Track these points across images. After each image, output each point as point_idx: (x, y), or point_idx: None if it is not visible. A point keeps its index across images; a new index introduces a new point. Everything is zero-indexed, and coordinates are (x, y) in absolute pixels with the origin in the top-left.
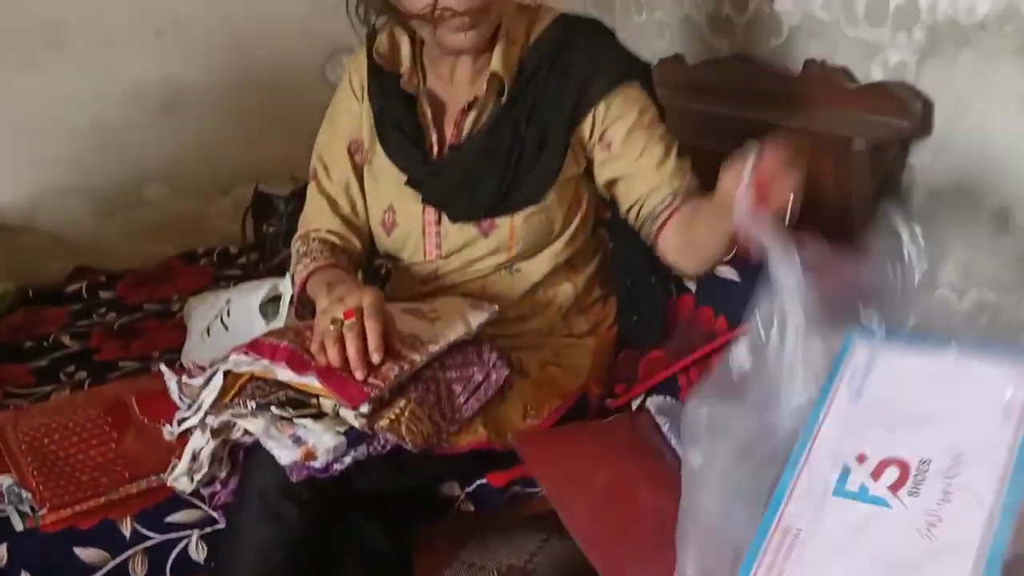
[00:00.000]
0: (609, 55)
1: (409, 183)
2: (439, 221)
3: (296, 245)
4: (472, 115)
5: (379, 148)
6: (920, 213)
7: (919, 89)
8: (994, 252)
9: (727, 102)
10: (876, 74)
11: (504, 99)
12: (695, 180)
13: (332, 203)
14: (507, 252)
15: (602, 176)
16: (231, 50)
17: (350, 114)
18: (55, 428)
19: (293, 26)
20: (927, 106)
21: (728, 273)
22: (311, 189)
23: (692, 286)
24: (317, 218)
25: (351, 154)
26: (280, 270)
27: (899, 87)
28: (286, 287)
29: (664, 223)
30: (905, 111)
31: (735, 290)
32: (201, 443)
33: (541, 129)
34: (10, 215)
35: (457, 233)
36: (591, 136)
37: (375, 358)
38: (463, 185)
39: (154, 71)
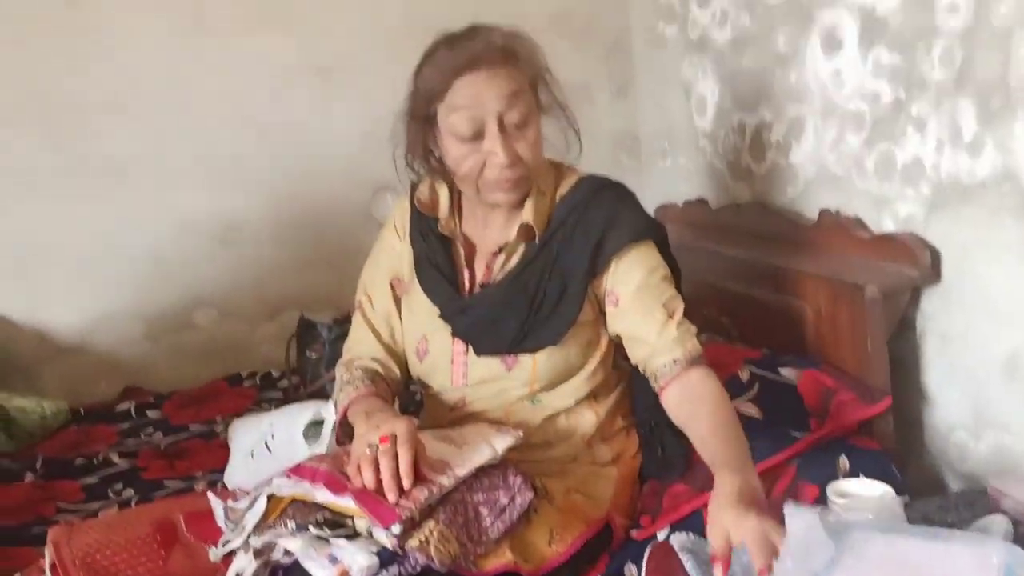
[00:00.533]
0: (626, 216)
1: (441, 316)
2: (467, 352)
3: (340, 371)
4: (501, 258)
5: (417, 283)
6: (934, 357)
7: (927, 240)
8: (1006, 395)
9: (747, 245)
10: (887, 225)
11: (536, 247)
12: (697, 348)
13: (375, 332)
14: (529, 386)
15: (611, 328)
16: (283, 187)
17: (393, 252)
18: (107, 544)
19: (341, 166)
20: (935, 256)
21: (750, 410)
22: (356, 318)
23: None
24: (361, 345)
25: (392, 288)
26: (320, 394)
27: (909, 238)
28: (328, 412)
29: (664, 387)
30: (915, 260)
31: (757, 426)
32: (244, 564)
33: (562, 279)
34: (66, 336)
35: (483, 365)
36: (604, 289)
37: (406, 482)
38: (489, 323)
39: (210, 205)
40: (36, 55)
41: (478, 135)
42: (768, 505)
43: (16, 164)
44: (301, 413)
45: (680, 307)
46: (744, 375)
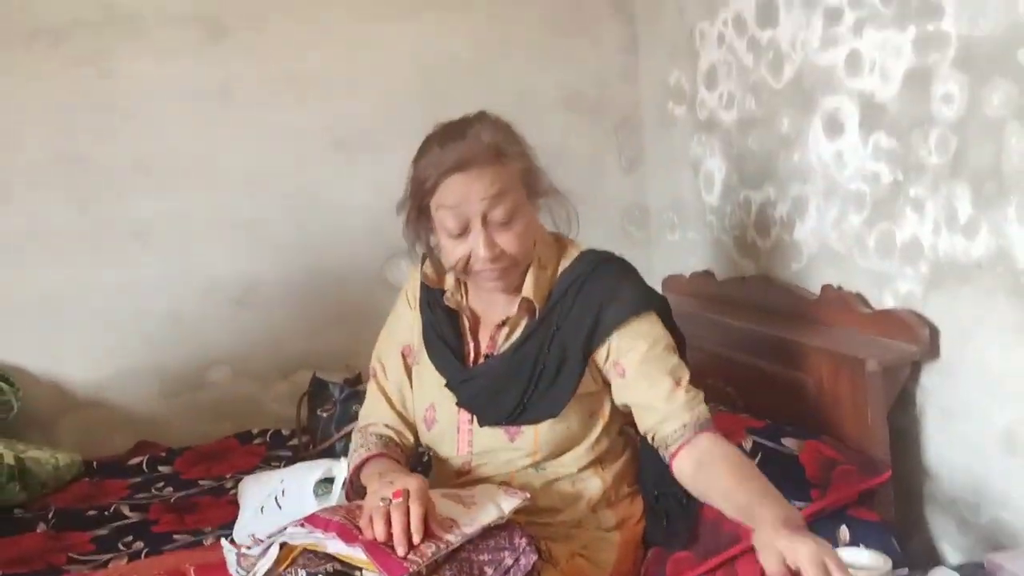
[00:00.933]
0: (626, 289)
1: (447, 386)
2: (472, 421)
3: (355, 436)
4: (505, 330)
5: (425, 353)
6: (934, 431)
7: (926, 317)
8: (1005, 470)
9: (752, 318)
10: (887, 301)
11: (535, 321)
12: (705, 413)
13: (388, 400)
14: (532, 456)
15: (618, 399)
16: (300, 250)
17: (404, 322)
18: None
19: (357, 232)
20: (934, 332)
21: None
22: (371, 386)
23: None
24: (375, 412)
25: (404, 357)
26: (330, 453)
27: (908, 314)
28: (340, 469)
29: (675, 453)
30: (914, 336)
31: None
32: None
33: (561, 352)
34: (83, 391)
35: (487, 435)
36: (606, 361)
37: (416, 537)
38: (491, 393)
39: (229, 266)
40: (66, 120)
41: (465, 231)
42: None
43: (44, 225)
44: (312, 470)
45: (686, 375)
46: (747, 444)
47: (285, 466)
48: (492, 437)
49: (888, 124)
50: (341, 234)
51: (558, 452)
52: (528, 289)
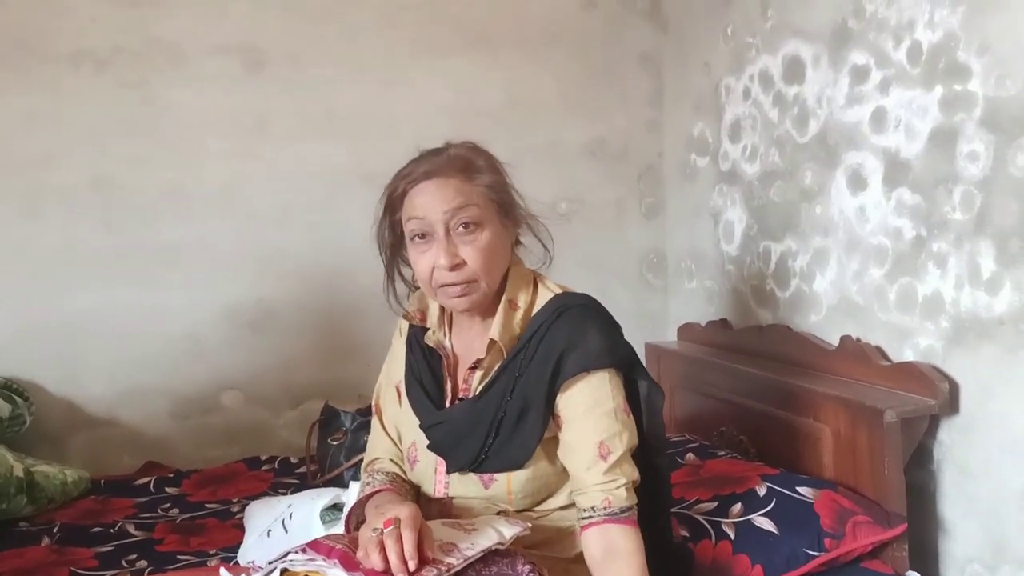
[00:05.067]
0: (584, 340)
1: (421, 428)
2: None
3: (363, 475)
4: (478, 374)
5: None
6: (951, 488)
7: (946, 372)
8: (1023, 531)
9: (768, 366)
10: (907, 355)
11: (499, 367)
12: (622, 501)
13: (389, 436)
14: (508, 504)
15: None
16: (319, 280)
17: (397, 358)
18: None
19: (376, 266)
20: (954, 388)
21: (766, 524)
22: (374, 421)
23: (731, 532)
24: (379, 448)
25: (399, 393)
26: (338, 482)
27: (928, 368)
28: (349, 497)
29: (583, 528)
30: (933, 390)
31: (773, 542)
32: None
33: (523, 400)
34: (95, 409)
35: (460, 480)
36: (557, 409)
37: (411, 563)
38: (456, 440)
39: (249, 292)
40: (105, 144)
41: (429, 242)
42: None
43: (72, 245)
44: (321, 496)
45: (619, 449)
46: (761, 490)
47: (292, 493)
48: (467, 483)
49: (912, 181)
50: (361, 268)
51: (535, 500)
52: (495, 330)
